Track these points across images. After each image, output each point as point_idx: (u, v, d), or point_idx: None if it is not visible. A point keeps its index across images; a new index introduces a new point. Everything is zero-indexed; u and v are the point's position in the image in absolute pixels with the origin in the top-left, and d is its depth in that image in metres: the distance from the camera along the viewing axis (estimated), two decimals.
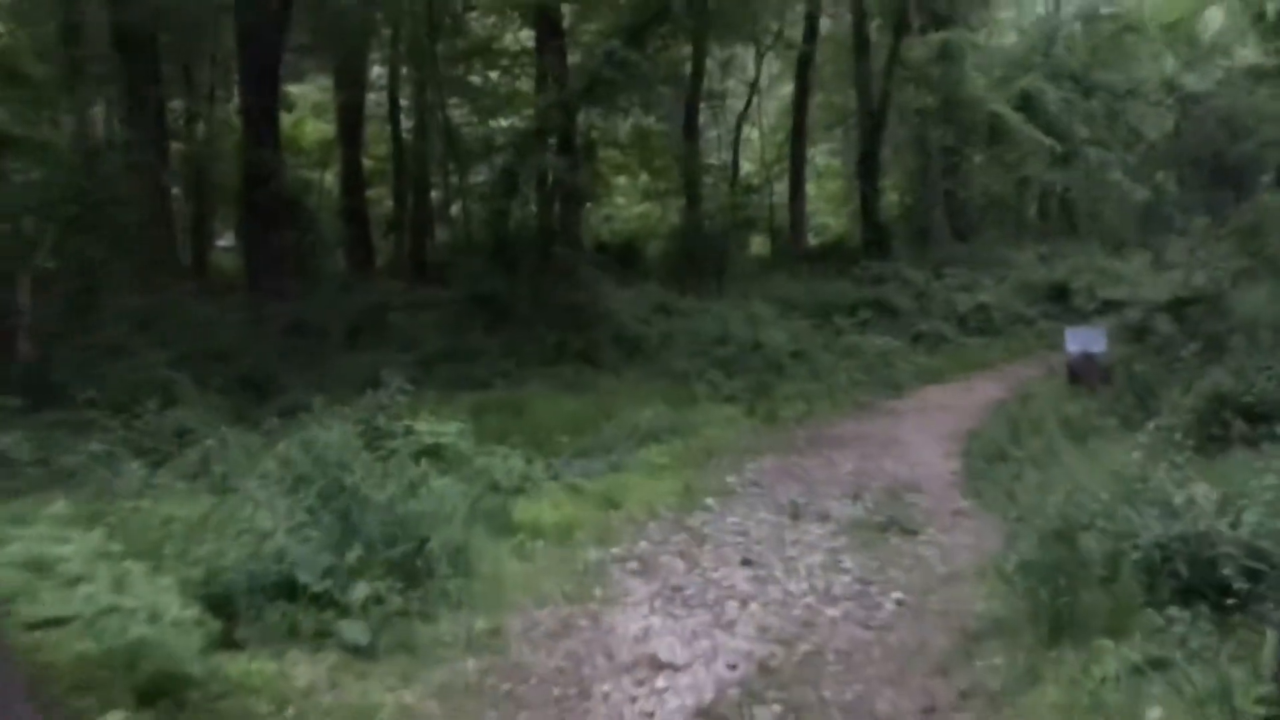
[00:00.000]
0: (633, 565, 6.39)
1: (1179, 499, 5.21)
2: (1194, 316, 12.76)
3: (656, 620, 5.40)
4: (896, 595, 5.91)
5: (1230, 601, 4.60)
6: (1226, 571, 4.71)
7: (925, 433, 13.06)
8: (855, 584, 6.14)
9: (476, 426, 10.21)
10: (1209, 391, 10.92)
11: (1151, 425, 6.25)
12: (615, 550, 6.68)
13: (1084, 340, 14.68)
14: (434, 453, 8.60)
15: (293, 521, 4.83)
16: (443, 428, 9.15)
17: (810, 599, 5.85)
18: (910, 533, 7.55)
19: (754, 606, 5.69)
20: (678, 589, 5.98)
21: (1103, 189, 34.08)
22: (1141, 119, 36.52)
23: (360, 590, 4.71)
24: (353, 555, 4.82)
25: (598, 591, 5.79)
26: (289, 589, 4.64)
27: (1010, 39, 32.74)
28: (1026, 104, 30.24)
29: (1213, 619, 4.50)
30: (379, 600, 4.77)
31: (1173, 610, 4.52)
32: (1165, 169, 37.94)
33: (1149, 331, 13.78)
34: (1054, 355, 18.20)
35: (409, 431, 8.88)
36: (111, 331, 14.43)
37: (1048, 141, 29.90)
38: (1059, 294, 24.55)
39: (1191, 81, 35.22)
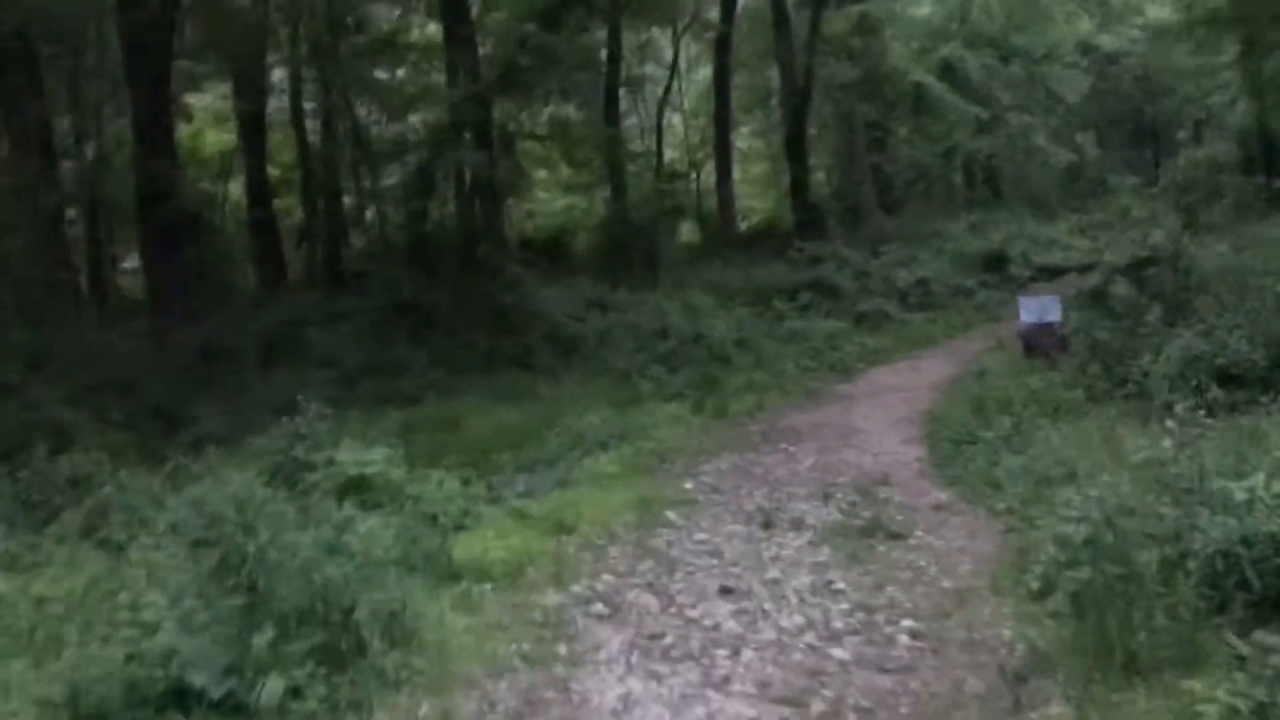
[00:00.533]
0: (598, 608, 5.51)
1: (1240, 494, 4.49)
2: (1154, 278, 12.25)
3: (636, 683, 4.51)
4: (908, 624, 5.12)
5: None
6: None
7: (882, 417, 12.44)
8: (856, 612, 5.34)
9: (407, 448, 9.31)
10: (1181, 356, 10.42)
11: (1180, 408, 5.54)
12: (576, 589, 5.81)
13: (1038, 309, 14.18)
14: (360, 485, 7.70)
15: (182, 608, 3.90)
16: (369, 455, 8.23)
17: (810, 637, 5.04)
18: (896, 536, 6.82)
19: (747, 654, 4.85)
20: (654, 636, 5.10)
21: (1026, 154, 34.04)
22: (1059, 82, 36.56)
23: (273, 687, 3.79)
24: (262, 641, 3.90)
25: (562, 649, 4.90)
26: (180, 698, 3.71)
27: (927, 8, 32.39)
28: (948, 73, 29.96)
29: None
30: (297, 694, 3.87)
31: (1260, 635, 3.77)
32: (1085, 130, 38.08)
33: (1106, 296, 13.27)
34: (999, 326, 17.77)
35: (331, 463, 7.97)
36: None
37: (972, 110, 29.67)
38: (995, 263, 24.24)
39: (1106, 42, 35.32)
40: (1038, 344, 13.67)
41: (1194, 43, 28.78)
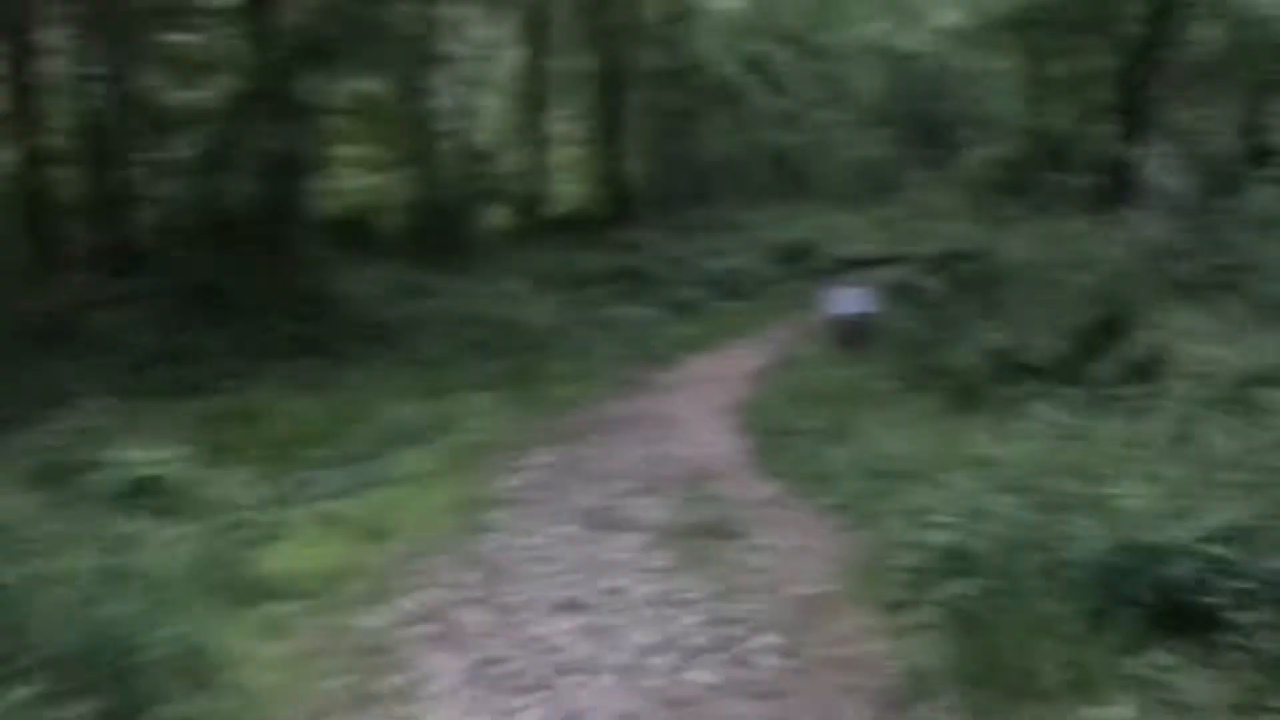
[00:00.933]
0: (428, 629, 5.00)
1: (1130, 500, 4.37)
2: (961, 271, 12.61)
3: None
4: (770, 639, 4.82)
5: (1217, 635, 3.76)
6: (1211, 599, 3.87)
7: (701, 408, 12.35)
8: (711, 625, 5.02)
9: (202, 444, 8.53)
10: (988, 348, 10.70)
11: (1042, 405, 5.45)
12: (400, 606, 5.28)
13: (848, 300, 14.43)
14: (149, 488, 6.93)
15: None
16: (158, 453, 7.45)
17: (668, 657, 4.67)
18: (734, 536, 6.60)
19: (604, 680, 4.42)
20: (495, 661, 4.63)
21: (828, 149, 35.05)
22: (857, 80, 37.74)
23: None
24: (21, 699, 3.20)
25: (390, 681, 4.36)
26: None
27: (736, 1, 32.80)
28: (755, 66, 30.44)
29: (1202, 660, 3.66)
30: None
31: (1158, 655, 3.63)
32: (882, 128, 39.53)
33: (915, 289, 13.61)
34: (808, 316, 18.06)
35: (114, 463, 7.15)
36: None
37: (777, 103, 30.27)
38: (801, 254, 24.74)
39: (901, 43, 36.71)
40: (849, 335, 13.91)
41: (981, 46, 30.30)
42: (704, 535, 6.61)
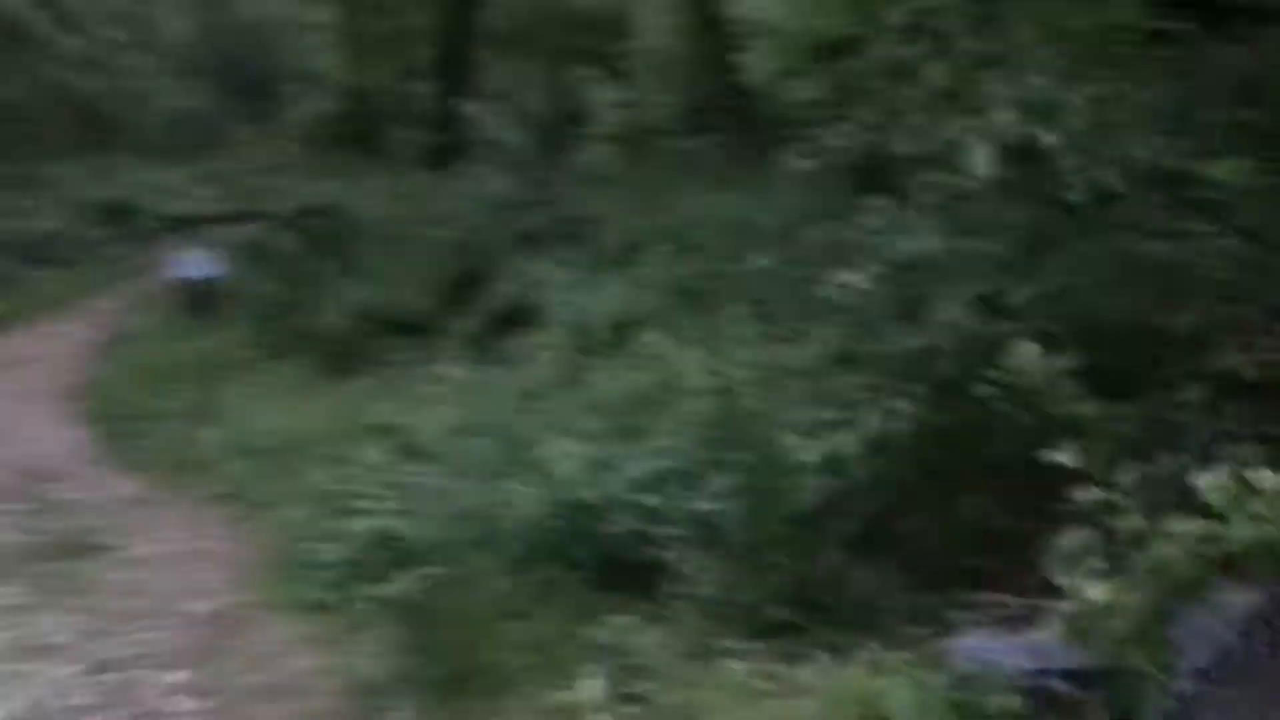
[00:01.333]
0: None
1: (555, 457, 4.16)
2: (317, 229, 12.15)
3: None
4: (175, 677, 3.88)
5: (662, 586, 3.71)
6: (650, 550, 3.76)
7: (23, 397, 10.54)
8: (94, 674, 3.95)
9: None
10: (353, 308, 10.47)
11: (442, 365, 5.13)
12: None
13: (191, 264, 13.36)
14: None
15: None
16: None
17: None
18: (101, 550, 5.50)
19: None
20: None
21: (137, 97, 32.33)
22: (165, 22, 35.17)
23: None
24: None
25: None
26: None
27: None
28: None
29: (654, 615, 3.56)
30: None
31: (614, 618, 3.45)
32: (196, 76, 37.22)
33: (266, 248, 12.86)
34: (142, 283, 16.38)
35: None
36: None
37: (73, 44, 27.21)
38: (121, 214, 22.49)
39: None
40: (196, 301, 12.94)
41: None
42: (59, 555, 5.40)
